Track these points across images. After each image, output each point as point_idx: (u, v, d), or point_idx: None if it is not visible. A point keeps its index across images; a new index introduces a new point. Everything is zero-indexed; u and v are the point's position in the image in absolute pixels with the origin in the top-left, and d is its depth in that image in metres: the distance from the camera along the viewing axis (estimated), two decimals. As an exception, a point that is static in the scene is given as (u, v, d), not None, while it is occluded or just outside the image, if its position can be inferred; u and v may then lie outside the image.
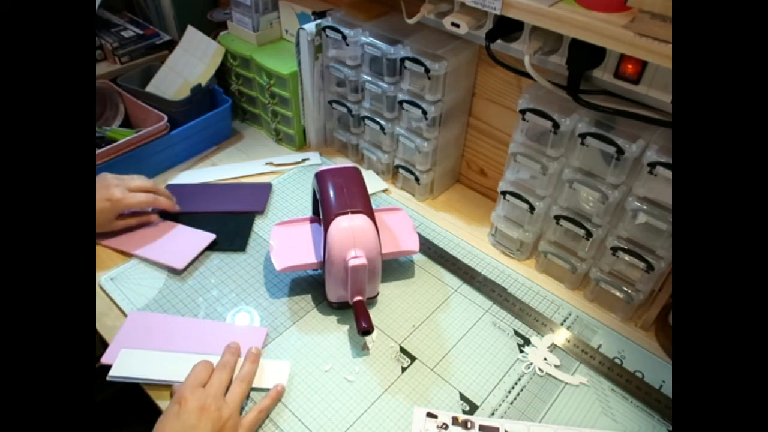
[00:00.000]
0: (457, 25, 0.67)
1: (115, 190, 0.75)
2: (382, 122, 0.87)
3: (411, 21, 0.75)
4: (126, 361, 0.64)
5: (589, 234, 0.70)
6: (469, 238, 0.85)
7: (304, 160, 0.99)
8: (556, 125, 0.65)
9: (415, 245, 0.75)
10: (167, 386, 0.62)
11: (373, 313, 0.72)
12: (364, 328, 0.65)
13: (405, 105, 0.81)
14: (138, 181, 0.79)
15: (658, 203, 0.63)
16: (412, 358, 0.67)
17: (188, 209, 0.86)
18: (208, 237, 0.80)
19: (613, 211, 0.68)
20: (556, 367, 0.66)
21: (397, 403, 0.62)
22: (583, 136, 0.64)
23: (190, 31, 1.02)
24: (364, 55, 0.83)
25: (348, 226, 0.65)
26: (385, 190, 0.94)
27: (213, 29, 1.06)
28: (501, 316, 0.73)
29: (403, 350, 0.68)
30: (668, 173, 0.58)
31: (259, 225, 0.85)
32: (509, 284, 0.77)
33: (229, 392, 0.58)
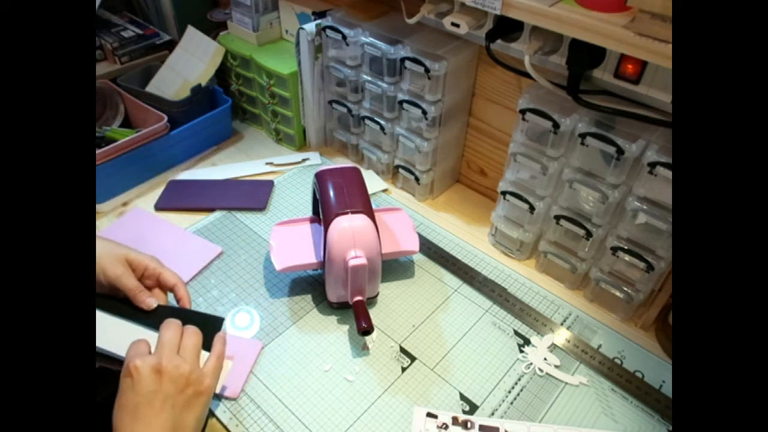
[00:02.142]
0: (457, 25, 0.67)
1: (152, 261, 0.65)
2: (382, 122, 0.87)
3: (411, 21, 0.75)
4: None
5: (589, 234, 0.70)
6: (469, 238, 0.85)
7: (304, 160, 0.99)
8: (556, 125, 0.65)
9: (415, 245, 0.75)
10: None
11: (373, 313, 0.72)
12: (364, 328, 0.65)
13: (405, 105, 0.81)
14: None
15: (658, 203, 0.63)
16: (412, 358, 0.67)
17: (191, 205, 0.87)
18: (215, 249, 0.79)
19: (613, 211, 0.68)
20: (556, 367, 0.66)
21: (397, 403, 0.62)
22: (583, 136, 0.64)
23: (190, 31, 1.02)
24: (364, 55, 0.83)
25: (348, 226, 0.65)
26: (385, 190, 0.94)
27: (213, 29, 1.06)
28: (501, 316, 0.73)
29: (403, 350, 0.68)
30: (668, 173, 0.59)
31: (260, 224, 0.85)
32: (509, 284, 0.77)
33: (181, 347, 0.54)
